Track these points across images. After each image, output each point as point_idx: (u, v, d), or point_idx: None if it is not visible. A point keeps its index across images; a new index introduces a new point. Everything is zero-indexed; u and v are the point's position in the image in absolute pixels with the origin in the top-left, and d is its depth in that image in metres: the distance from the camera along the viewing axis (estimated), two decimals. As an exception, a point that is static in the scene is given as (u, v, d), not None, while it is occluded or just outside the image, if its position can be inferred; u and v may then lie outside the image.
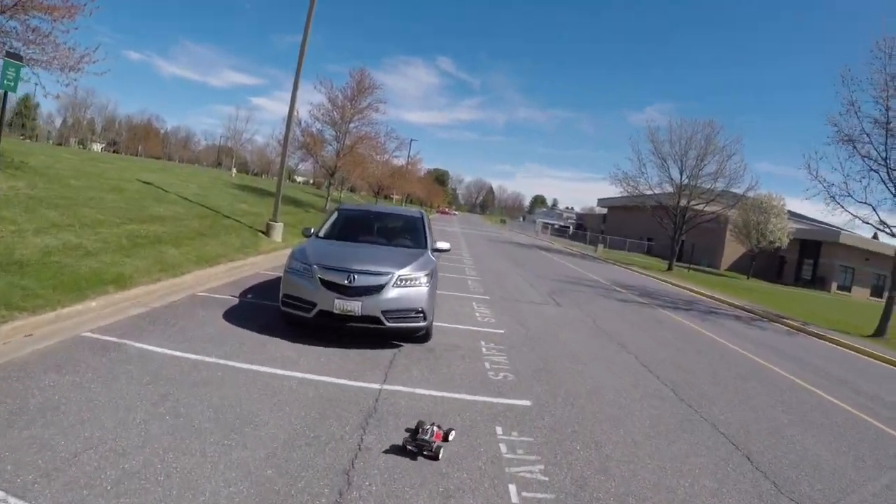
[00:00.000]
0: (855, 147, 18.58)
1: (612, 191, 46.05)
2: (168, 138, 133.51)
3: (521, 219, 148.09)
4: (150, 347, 6.37)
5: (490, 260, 25.03)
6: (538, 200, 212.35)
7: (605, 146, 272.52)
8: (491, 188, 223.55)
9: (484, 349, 8.37)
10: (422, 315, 7.50)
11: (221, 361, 6.24)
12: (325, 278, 7.26)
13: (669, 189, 40.16)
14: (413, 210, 10.73)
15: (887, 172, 18.09)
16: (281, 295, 7.62)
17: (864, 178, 18.68)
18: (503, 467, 4.71)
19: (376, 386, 6.19)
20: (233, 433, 4.58)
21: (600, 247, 52.11)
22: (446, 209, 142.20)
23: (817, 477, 5.57)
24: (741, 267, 54.27)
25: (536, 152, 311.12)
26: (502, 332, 9.73)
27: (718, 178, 38.09)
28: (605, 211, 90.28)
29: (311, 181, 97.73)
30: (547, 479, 4.62)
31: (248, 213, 21.37)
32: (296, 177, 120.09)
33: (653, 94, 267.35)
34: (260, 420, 4.92)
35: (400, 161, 61.02)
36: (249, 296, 9.80)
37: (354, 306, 7.14)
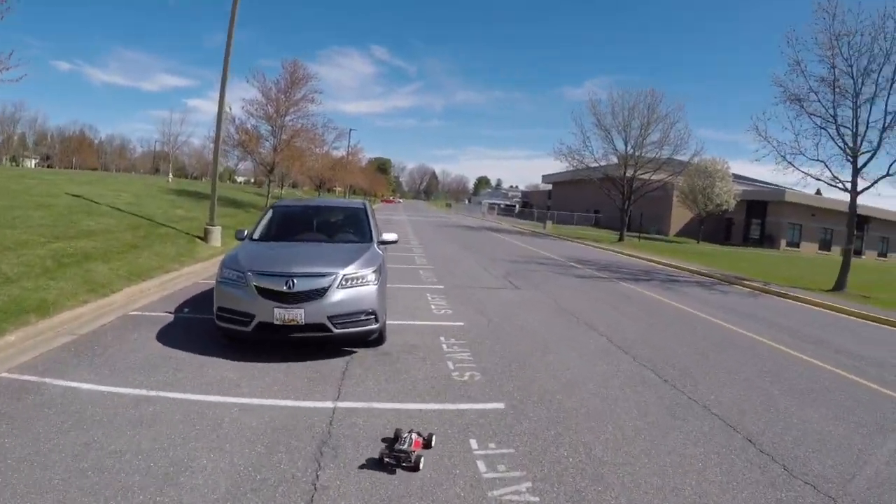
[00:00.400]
0: (802, 106, 18.56)
1: (557, 166, 45.70)
2: (103, 148, 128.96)
3: (467, 201, 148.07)
4: (74, 384, 5.47)
5: (439, 246, 24.25)
6: (482, 182, 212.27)
7: (546, 123, 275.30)
8: (434, 173, 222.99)
9: (445, 346, 7.58)
10: (373, 317, 6.66)
11: (153, 393, 5.37)
12: (262, 286, 6.37)
13: (615, 160, 40.07)
14: (354, 201, 9.79)
15: (836, 129, 18.14)
16: (215, 309, 6.70)
17: (815, 135, 18.69)
18: (485, 491, 3.96)
19: (329, 405, 5.36)
20: (167, 486, 3.74)
21: (549, 223, 52.10)
22: (391, 198, 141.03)
23: (825, 452, 5.04)
24: (690, 232, 55.17)
25: (478, 134, 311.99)
26: (462, 324, 8.97)
27: (664, 146, 38.13)
28: (549, 187, 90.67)
29: (253, 180, 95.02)
30: (538, 499, 3.89)
31: (185, 218, 20.04)
32: (236, 177, 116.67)
33: (590, 69, 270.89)
34: (198, 465, 4.07)
35: (340, 153, 59.64)
36: (186, 310, 8.88)
37: (297, 314, 6.27)
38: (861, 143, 17.76)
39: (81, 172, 70.19)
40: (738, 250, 42.81)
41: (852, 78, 17.44)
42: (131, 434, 4.50)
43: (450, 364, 6.79)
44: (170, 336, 7.32)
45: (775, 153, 19.36)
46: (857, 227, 18.93)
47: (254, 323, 6.35)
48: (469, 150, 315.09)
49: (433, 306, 10.29)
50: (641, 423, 5.37)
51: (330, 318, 6.37)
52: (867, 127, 17.76)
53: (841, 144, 18.18)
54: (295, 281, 6.34)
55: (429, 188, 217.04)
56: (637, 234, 45.27)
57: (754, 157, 23.64)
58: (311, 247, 7.72)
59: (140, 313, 8.50)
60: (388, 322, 7.75)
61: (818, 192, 53.62)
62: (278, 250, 7.52)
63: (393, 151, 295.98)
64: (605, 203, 49.64)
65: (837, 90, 17.71)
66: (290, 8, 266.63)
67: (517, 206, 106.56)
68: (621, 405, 5.80)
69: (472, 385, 6.10)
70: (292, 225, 8.76)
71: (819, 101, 18.26)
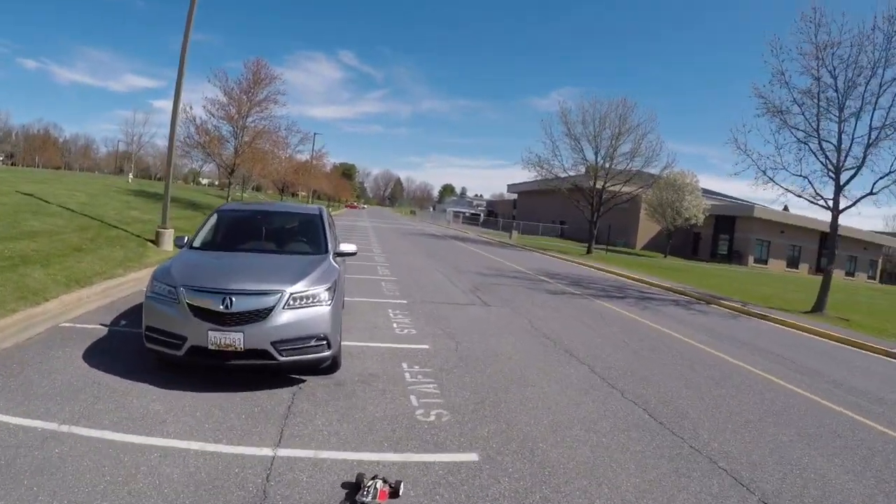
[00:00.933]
0: (784, 119, 18.01)
1: (522, 176, 45.49)
2: (67, 147, 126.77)
3: (431, 209, 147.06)
4: (-24, 413, 4.37)
5: (404, 255, 23.25)
6: (447, 189, 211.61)
7: (512, 133, 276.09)
8: (399, 180, 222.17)
9: (408, 375, 6.62)
10: (325, 342, 5.66)
11: (65, 429, 4.43)
12: (195, 304, 5.36)
13: (584, 171, 39.57)
14: (310, 207, 8.71)
15: (819, 143, 17.61)
16: (143, 327, 5.65)
17: (798, 149, 18.13)
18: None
19: (268, 452, 4.39)
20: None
21: (514, 233, 51.54)
22: (355, 203, 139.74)
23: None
24: (657, 245, 55.16)
25: (443, 142, 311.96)
26: (427, 347, 8.02)
27: (635, 157, 37.59)
28: (515, 196, 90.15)
29: (217, 182, 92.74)
30: None
31: (139, 220, 18.74)
32: (201, 179, 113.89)
33: (556, 79, 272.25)
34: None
35: (304, 156, 58.23)
36: (123, 322, 7.84)
37: (235, 339, 5.26)
38: (845, 160, 17.25)
39: (42, 171, 67.65)
40: (707, 266, 42.72)
41: (836, 91, 16.97)
42: (28, 484, 3.58)
43: (413, 399, 5.82)
44: (98, 354, 6.30)
45: (755, 167, 18.82)
46: (826, 245, 18.46)
47: (186, 346, 5.34)
48: (434, 158, 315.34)
49: (395, 324, 9.31)
50: (641, 481, 4.48)
51: (274, 343, 5.36)
52: (851, 142, 17.25)
53: (823, 160, 17.72)
54: (233, 299, 5.32)
55: (393, 195, 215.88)
56: (605, 247, 44.89)
57: (733, 170, 23.28)
58: (256, 258, 6.67)
59: (72, 325, 7.44)
60: (344, 343, 6.80)
61: (785, 209, 54.23)
62: (218, 261, 6.49)
63: (359, 157, 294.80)
64: (572, 214, 49.22)
65: (822, 103, 17.21)
66: (258, 12, 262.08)
67: (482, 214, 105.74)
68: (616, 457, 4.91)
69: (439, 428, 5.15)
70: (238, 232, 7.70)
71: (802, 114, 17.77)
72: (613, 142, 37.50)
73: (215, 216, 7.82)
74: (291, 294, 5.52)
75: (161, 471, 3.96)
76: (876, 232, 67.74)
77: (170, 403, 5.08)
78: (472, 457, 4.62)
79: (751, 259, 53.11)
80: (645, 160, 37.70)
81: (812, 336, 13.57)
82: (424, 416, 5.39)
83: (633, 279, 22.93)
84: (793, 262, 54.99)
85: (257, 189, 72.32)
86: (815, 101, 17.18)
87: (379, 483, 3.83)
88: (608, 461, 4.81)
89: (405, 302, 11.54)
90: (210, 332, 5.25)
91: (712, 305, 17.09)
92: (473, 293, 14.00)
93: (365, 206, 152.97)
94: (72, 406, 4.84)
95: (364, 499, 3.67)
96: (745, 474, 4.82)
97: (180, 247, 7.16)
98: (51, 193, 19.83)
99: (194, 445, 4.38)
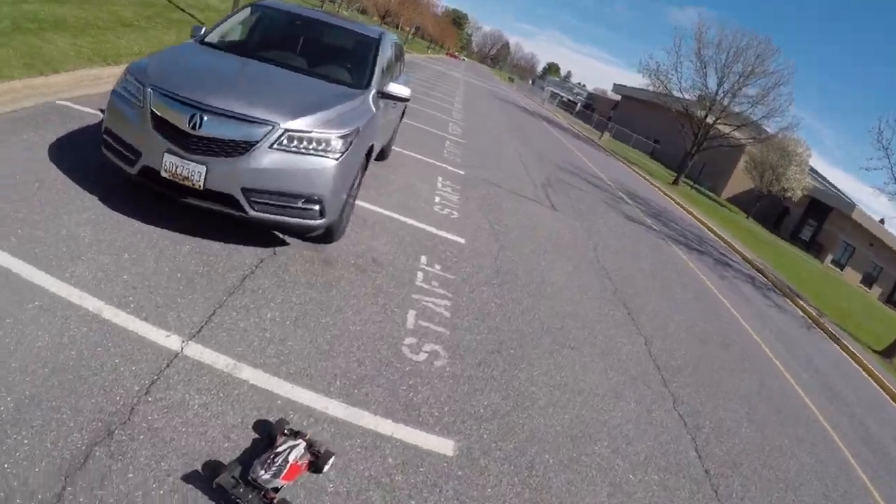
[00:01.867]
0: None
1: (632, 81, 40.86)
2: None
3: (531, 82, 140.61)
4: None
5: (483, 119, 21.10)
6: (552, 68, 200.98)
7: (636, 35, 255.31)
8: (507, 43, 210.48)
9: (420, 276, 5.12)
10: (317, 208, 4.09)
11: None
12: (159, 113, 3.80)
13: (697, 98, 35.37)
14: (371, 28, 6.58)
15: None
16: (102, 128, 4.16)
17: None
18: None
19: (173, 345, 3.09)
20: None
21: (606, 134, 47.78)
22: (456, 53, 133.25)
23: None
24: (742, 201, 50.66)
25: (563, 20, 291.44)
26: (461, 241, 6.47)
27: (757, 105, 32.91)
28: (617, 98, 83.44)
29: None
30: None
31: (216, 9, 16.45)
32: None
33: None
34: None
35: None
36: None
37: (194, 172, 3.75)
38: None
39: None
40: (785, 246, 38.99)
41: None
42: None
43: (410, 317, 4.35)
44: (66, 146, 4.94)
45: (890, 172, 15.77)
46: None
47: (139, 165, 3.88)
48: (548, 34, 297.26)
49: (437, 198, 7.72)
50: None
51: (246, 190, 3.82)
52: None
53: None
54: (204, 119, 3.72)
55: (497, 56, 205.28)
56: (691, 183, 41.35)
57: (867, 164, 19.86)
58: (270, 72, 4.85)
59: (68, 104, 6.01)
60: (362, 204, 5.36)
61: (882, 221, 48.10)
62: (215, 66, 4.82)
63: (474, 6, 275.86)
64: (669, 136, 44.95)
65: None
66: None
67: (579, 104, 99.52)
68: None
69: (423, 379, 3.69)
70: (268, 36, 5.95)
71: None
72: (742, 80, 32.67)
73: (248, 10, 5.99)
74: (287, 131, 3.86)
75: (27, 329, 2.75)
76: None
77: (100, 233, 3.76)
78: (447, 448, 3.18)
79: (829, 257, 47.86)
80: (767, 112, 33.02)
81: (881, 390, 10.83)
82: (412, 351, 3.94)
83: (715, 233, 20.40)
84: (868, 280, 49.05)
85: (362, 11, 67.78)
86: None
87: (300, 448, 2.55)
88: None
89: (461, 173, 9.82)
90: (166, 156, 3.73)
91: (788, 301, 14.73)
92: (544, 189, 12.14)
93: (465, 59, 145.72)
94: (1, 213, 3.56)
95: (262, 470, 2.40)
96: None
97: (192, 37, 5.43)
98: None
99: (89, 304, 3.11)
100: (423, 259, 5.50)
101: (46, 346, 2.69)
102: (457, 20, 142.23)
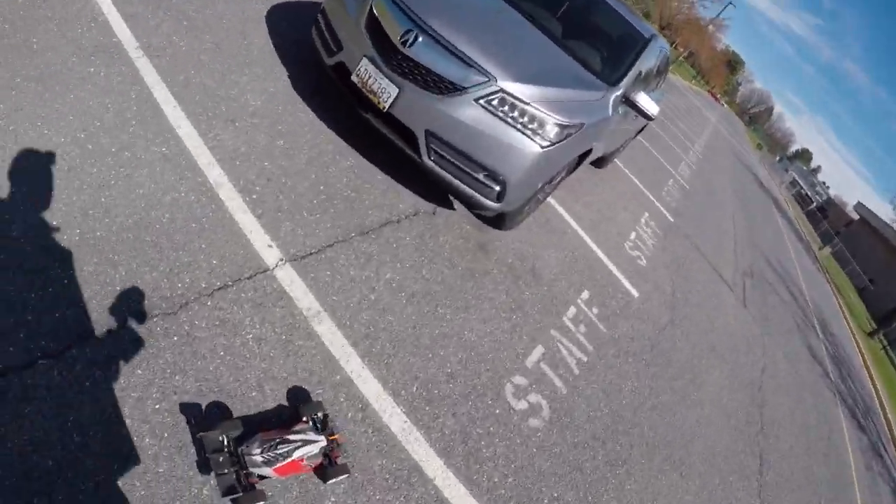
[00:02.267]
0: None
1: (877, 206, 34.81)
2: None
3: (778, 158, 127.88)
4: None
5: (718, 174, 19.00)
6: (804, 154, 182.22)
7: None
8: (771, 109, 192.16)
9: (570, 312, 4.36)
10: (497, 188, 3.45)
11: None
12: (377, 13, 3.33)
13: None
14: (645, 25, 5.56)
15: None
16: (320, 8, 3.86)
17: None
18: None
19: (270, 259, 2.70)
20: None
21: (827, 249, 42.18)
22: (718, 95, 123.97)
23: None
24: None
25: (836, 113, 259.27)
26: (635, 295, 5.55)
27: None
28: (855, 217, 71.86)
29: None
30: None
31: None
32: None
33: None
34: None
35: (705, 12, 49.96)
36: None
37: (385, 89, 3.27)
38: None
39: None
40: None
41: None
42: None
43: (534, 354, 3.66)
44: (291, 13, 4.74)
45: None
46: None
47: (335, 59, 3.50)
48: (816, 119, 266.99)
49: (634, 235, 6.79)
50: None
51: (429, 134, 3.28)
52: None
53: None
54: (419, 39, 3.20)
55: (755, 117, 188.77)
56: (885, 343, 34.56)
57: None
58: (515, 24, 4.18)
59: None
60: (553, 203, 4.65)
61: None
62: None
63: (756, 60, 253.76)
64: (886, 281, 38.20)
65: None
66: None
67: (814, 203, 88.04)
68: None
69: (510, 428, 3.02)
70: None
71: None
72: None
73: None
74: (501, 91, 3.23)
75: (137, 171, 2.58)
76: None
77: (270, 108, 3.54)
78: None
79: None
80: None
81: None
82: (515, 395, 3.27)
83: (885, 414, 16.90)
84: None
85: (645, 14, 64.63)
86: None
87: (316, 447, 2.07)
88: None
89: (670, 220, 8.69)
90: (364, 61, 3.29)
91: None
92: (743, 277, 10.50)
93: (725, 104, 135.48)
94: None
95: (257, 450, 1.94)
96: None
97: None
98: None
99: (213, 174, 2.88)
100: (585, 295, 4.72)
101: (145, 195, 2.40)
102: (732, 63, 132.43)
